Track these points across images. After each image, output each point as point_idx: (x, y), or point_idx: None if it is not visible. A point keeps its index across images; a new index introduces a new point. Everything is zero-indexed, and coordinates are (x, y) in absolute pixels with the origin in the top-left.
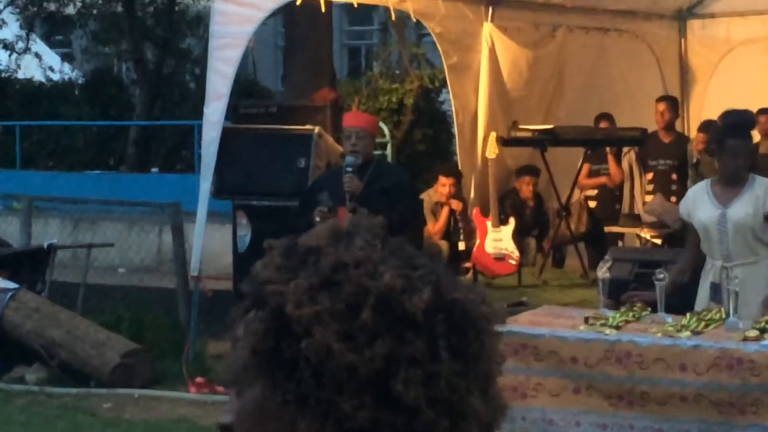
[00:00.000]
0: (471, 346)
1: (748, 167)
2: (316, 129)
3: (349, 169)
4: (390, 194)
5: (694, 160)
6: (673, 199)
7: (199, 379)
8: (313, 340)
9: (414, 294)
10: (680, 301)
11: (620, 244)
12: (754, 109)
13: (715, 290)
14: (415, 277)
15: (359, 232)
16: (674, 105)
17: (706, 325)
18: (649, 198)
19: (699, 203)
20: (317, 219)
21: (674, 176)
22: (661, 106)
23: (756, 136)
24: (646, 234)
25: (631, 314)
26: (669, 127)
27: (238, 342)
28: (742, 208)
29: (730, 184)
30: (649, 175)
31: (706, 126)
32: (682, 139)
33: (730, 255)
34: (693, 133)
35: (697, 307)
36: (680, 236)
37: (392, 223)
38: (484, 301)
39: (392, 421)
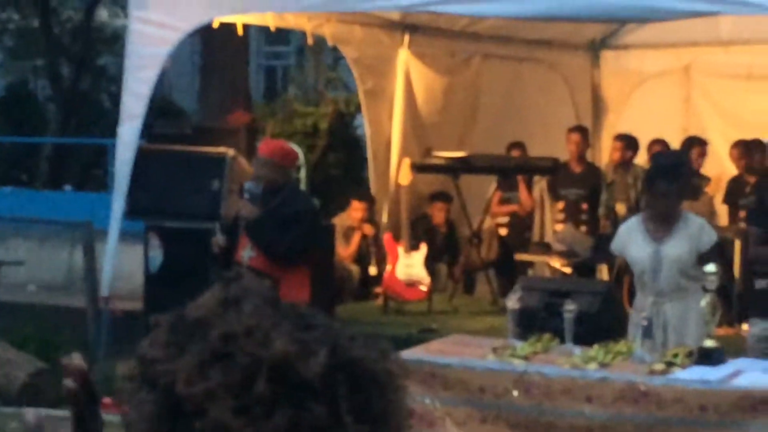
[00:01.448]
0: (375, 405)
1: (679, 205)
2: (231, 152)
3: (246, 195)
4: (285, 222)
5: (609, 181)
6: (583, 228)
7: (106, 400)
8: (207, 418)
9: (309, 358)
10: (588, 331)
11: (530, 272)
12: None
13: (648, 324)
14: (309, 339)
15: (248, 297)
16: (586, 135)
17: (614, 357)
18: (559, 227)
19: (632, 239)
20: (214, 249)
21: (584, 206)
22: (574, 136)
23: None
24: (556, 263)
25: (539, 345)
26: (580, 157)
27: (131, 426)
28: (677, 245)
29: (662, 222)
30: (560, 205)
31: (622, 136)
32: (593, 169)
33: (662, 290)
34: (605, 160)
35: (633, 339)
36: (589, 266)
37: (282, 250)
38: (385, 356)
39: None
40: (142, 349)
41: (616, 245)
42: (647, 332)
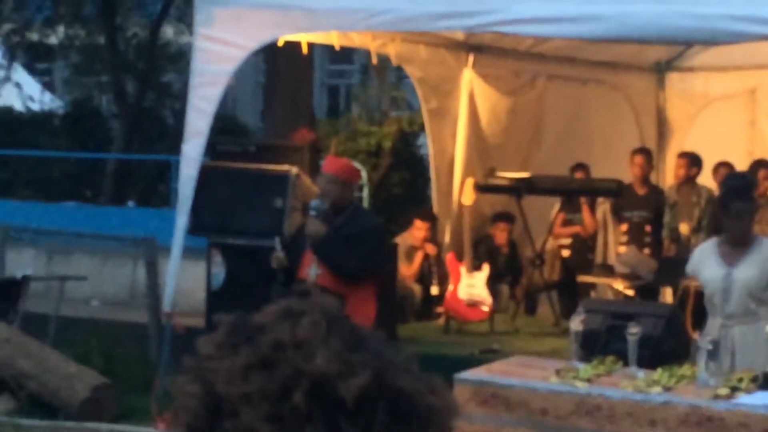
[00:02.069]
0: None
1: (752, 225)
2: (294, 170)
3: (313, 213)
4: (353, 240)
5: (671, 201)
6: (647, 250)
7: (168, 416)
8: (239, 420)
9: (349, 379)
10: (652, 354)
11: (592, 294)
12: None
13: (714, 348)
14: (354, 361)
15: (309, 312)
16: (650, 157)
17: (677, 381)
18: (622, 249)
19: (706, 262)
20: (273, 265)
21: (648, 228)
22: (638, 159)
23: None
24: (618, 285)
25: (602, 367)
26: (644, 179)
27: (177, 416)
28: (748, 269)
29: (737, 245)
30: (624, 227)
31: (686, 153)
32: (657, 191)
33: (731, 314)
34: (669, 182)
35: (698, 362)
36: (652, 288)
37: (351, 269)
38: (434, 392)
39: None
40: (199, 345)
41: (690, 267)
42: (713, 355)
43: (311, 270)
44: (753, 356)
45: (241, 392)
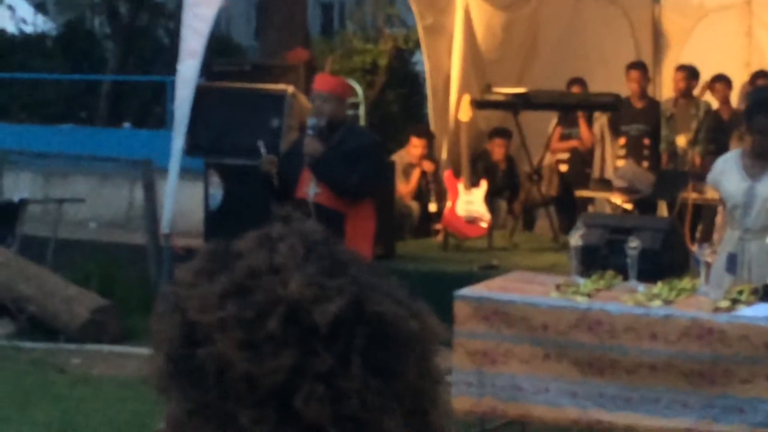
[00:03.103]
0: (391, 362)
1: None
2: (290, 89)
3: (310, 131)
4: (351, 158)
5: (668, 115)
6: (645, 164)
7: None
8: (213, 348)
9: (324, 304)
10: (651, 268)
11: (590, 208)
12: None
13: (731, 261)
14: (330, 286)
15: (288, 238)
16: (645, 71)
17: (678, 295)
18: (620, 163)
19: (728, 174)
20: (265, 168)
21: (646, 141)
22: (634, 73)
23: (714, 103)
24: (616, 199)
25: (602, 282)
26: (641, 93)
27: (157, 346)
28: None
29: (760, 158)
30: (621, 141)
31: (684, 66)
32: (654, 105)
33: (750, 228)
34: (666, 95)
35: (713, 275)
36: (651, 202)
37: (351, 186)
38: (416, 317)
39: None
40: (177, 272)
41: (711, 178)
42: (731, 267)
43: (309, 189)
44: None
45: (216, 319)
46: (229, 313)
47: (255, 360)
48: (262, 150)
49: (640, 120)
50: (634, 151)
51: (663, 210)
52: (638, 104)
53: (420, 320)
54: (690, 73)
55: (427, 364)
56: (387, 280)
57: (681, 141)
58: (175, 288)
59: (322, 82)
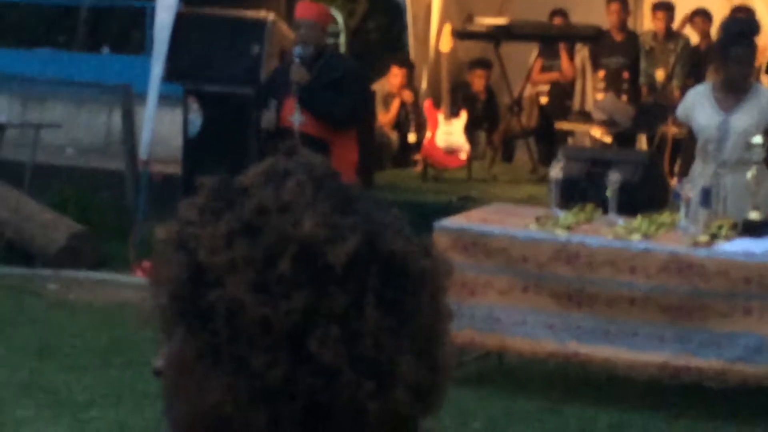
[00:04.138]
0: (406, 301)
1: (752, 72)
2: (271, 16)
3: (298, 60)
4: (338, 86)
5: (648, 48)
6: (624, 97)
7: (145, 263)
8: (224, 290)
9: (338, 244)
10: (630, 201)
11: (570, 140)
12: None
13: (706, 195)
14: (343, 225)
15: (295, 172)
16: (625, 3)
17: (657, 229)
18: (600, 96)
19: (699, 107)
20: (263, 125)
21: (626, 75)
22: (614, 6)
23: (694, 37)
24: (596, 132)
25: (582, 215)
26: (621, 25)
27: (159, 284)
28: (745, 116)
29: (733, 91)
30: (601, 73)
31: (661, 4)
32: (633, 38)
33: (725, 161)
34: (647, 28)
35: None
36: (630, 135)
37: (338, 115)
38: (428, 254)
39: (309, 381)
40: (180, 209)
41: (681, 111)
42: (706, 202)
43: (294, 117)
44: (744, 204)
45: (225, 260)
46: (238, 254)
47: (267, 302)
48: (272, 107)
49: (619, 53)
50: (613, 84)
51: (643, 143)
52: (617, 37)
53: (431, 257)
54: (669, 10)
55: (438, 301)
56: (395, 215)
57: (660, 75)
58: (179, 226)
59: (306, 9)
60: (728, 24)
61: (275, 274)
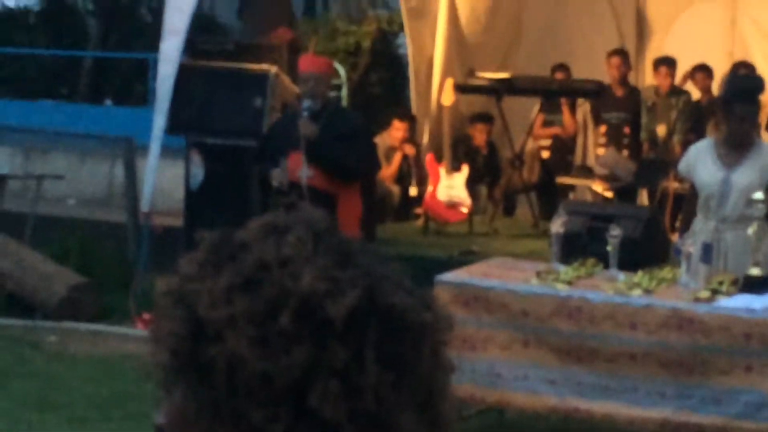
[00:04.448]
0: (406, 355)
1: (754, 130)
2: (273, 69)
3: (306, 113)
4: (346, 139)
5: (650, 104)
6: (625, 152)
7: (146, 316)
8: (224, 345)
9: (338, 298)
10: (631, 257)
11: (571, 195)
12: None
13: (707, 250)
14: (343, 279)
15: (295, 227)
16: (626, 58)
17: (658, 284)
18: (601, 151)
19: (701, 163)
20: (274, 183)
21: (627, 129)
22: (614, 60)
23: (695, 92)
24: (597, 187)
25: (583, 270)
26: (622, 80)
27: (159, 340)
28: (748, 173)
29: (735, 147)
30: (602, 128)
31: (664, 60)
32: (635, 93)
33: (726, 218)
34: (648, 83)
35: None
36: (631, 190)
37: (351, 167)
38: (429, 307)
39: None
40: (181, 264)
41: (683, 167)
42: (707, 257)
43: (302, 172)
44: (745, 260)
45: (225, 315)
46: (238, 309)
47: (268, 357)
48: (282, 166)
49: (620, 108)
50: (614, 139)
51: (644, 198)
52: (618, 92)
53: (432, 310)
54: (672, 66)
55: (439, 355)
56: (395, 269)
57: (661, 130)
58: (179, 281)
59: (311, 62)
60: (732, 80)
61: (275, 328)
